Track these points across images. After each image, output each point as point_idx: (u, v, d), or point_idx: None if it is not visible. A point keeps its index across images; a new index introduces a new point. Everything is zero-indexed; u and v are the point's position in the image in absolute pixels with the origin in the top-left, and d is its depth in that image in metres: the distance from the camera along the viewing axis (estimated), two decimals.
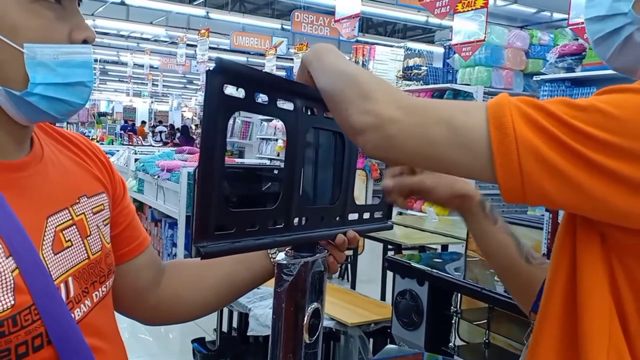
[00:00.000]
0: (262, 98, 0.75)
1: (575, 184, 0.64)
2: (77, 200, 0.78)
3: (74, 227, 0.75)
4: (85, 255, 0.76)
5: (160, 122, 21.41)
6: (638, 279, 0.71)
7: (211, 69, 0.63)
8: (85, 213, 0.79)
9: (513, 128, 0.64)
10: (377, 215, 0.99)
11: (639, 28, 0.78)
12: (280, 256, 0.82)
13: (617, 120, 0.63)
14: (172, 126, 18.46)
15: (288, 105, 0.78)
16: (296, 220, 0.80)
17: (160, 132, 16.92)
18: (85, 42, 0.71)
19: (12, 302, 0.63)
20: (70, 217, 0.75)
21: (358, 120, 0.70)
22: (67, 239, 0.73)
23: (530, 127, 0.64)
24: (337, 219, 0.89)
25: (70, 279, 0.72)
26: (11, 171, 0.70)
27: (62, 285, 0.70)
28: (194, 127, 17.88)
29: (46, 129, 0.82)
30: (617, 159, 0.63)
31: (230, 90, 0.70)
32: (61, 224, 0.73)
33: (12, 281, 0.63)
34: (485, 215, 0.98)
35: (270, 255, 0.94)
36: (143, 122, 17.51)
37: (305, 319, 0.79)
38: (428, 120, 0.68)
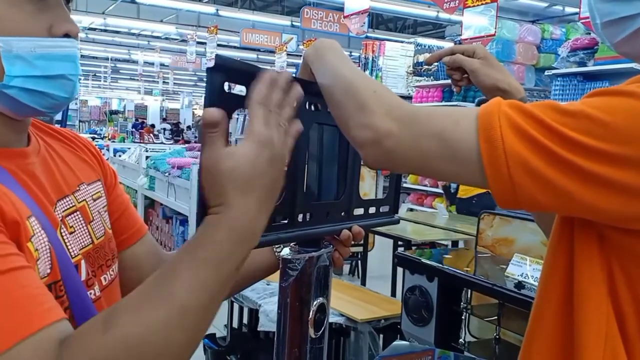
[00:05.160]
0: None
1: (566, 193, 0.64)
2: (78, 188, 0.80)
3: (78, 212, 0.77)
4: (90, 240, 0.78)
5: (164, 119, 21.30)
6: (636, 279, 0.70)
7: (211, 66, 0.64)
8: (87, 199, 0.80)
9: (502, 140, 0.65)
10: (383, 209, 0.99)
11: None
12: (285, 251, 0.82)
13: (606, 126, 0.63)
14: (176, 124, 18.31)
15: None
16: (300, 216, 0.80)
17: (164, 129, 16.73)
18: (67, 35, 0.70)
19: (48, 271, 0.65)
20: (74, 204, 0.77)
21: (357, 134, 0.72)
22: (70, 225, 0.75)
23: (519, 137, 0.64)
24: (342, 214, 0.89)
25: (82, 261, 0.74)
26: (16, 157, 0.71)
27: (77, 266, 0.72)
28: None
29: (39, 126, 0.83)
30: (607, 166, 0.62)
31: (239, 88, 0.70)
32: (66, 209, 0.75)
33: (48, 252, 0.65)
34: None
35: (274, 250, 0.94)
36: (152, 126, 17.44)
37: (311, 313, 0.79)
38: (420, 134, 0.69)
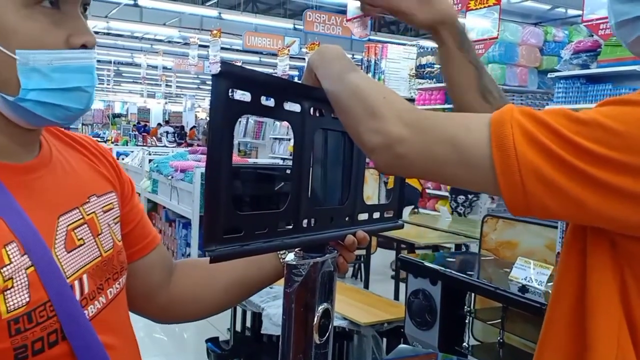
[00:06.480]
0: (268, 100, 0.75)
1: (578, 201, 0.64)
2: (87, 200, 0.79)
3: (85, 225, 0.76)
4: (98, 253, 0.77)
5: (167, 122, 21.22)
6: None
7: (216, 73, 0.64)
8: (96, 212, 0.80)
9: (514, 148, 0.65)
10: (388, 214, 0.99)
11: None
12: (290, 257, 0.82)
13: (619, 135, 0.63)
14: (181, 127, 18.26)
15: (295, 107, 0.78)
16: (305, 221, 0.80)
17: (167, 132, 16.61)
18: (84, 47, 0.69)
19: (27, 300, 0.64)
20: (81, 217, 0.76)
21: (368, 139, 0.72)
22: (79, 238, 0.74)
23: (531, 145, 0.64)
24: (347, 219, 0.89)
25: (84, 276, 0.73)
26: (20, 173, 0.70)
27: (76, 282, 0.71)
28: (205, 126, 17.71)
29: (54, 132, 0.82)
30: (620, 175, 0.62)
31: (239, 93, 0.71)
32: (72, 223, 0.74)
33: (26, 279, 0.64)
34: (455, 41, 0.94)
35: (279, 256, 0.94)
36: (159, 125, 17.43)
37: (315, 319, 0.79)
38: (432, 139, 0.69)
